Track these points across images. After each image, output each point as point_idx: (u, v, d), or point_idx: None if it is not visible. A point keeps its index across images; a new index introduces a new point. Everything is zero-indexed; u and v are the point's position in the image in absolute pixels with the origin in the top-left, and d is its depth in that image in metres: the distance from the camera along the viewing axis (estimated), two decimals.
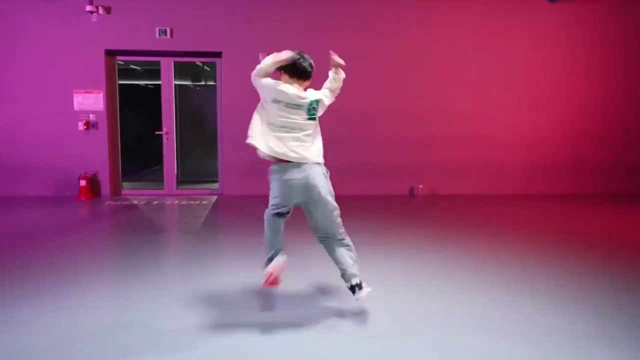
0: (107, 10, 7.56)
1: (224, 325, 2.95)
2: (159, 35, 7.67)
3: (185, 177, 9.13)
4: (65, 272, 4.02)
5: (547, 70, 8.30)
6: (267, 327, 2.89)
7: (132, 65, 9.71)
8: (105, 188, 7.88)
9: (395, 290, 3.59)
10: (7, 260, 4.34)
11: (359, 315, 3.10)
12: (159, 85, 8.23)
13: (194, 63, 9.17)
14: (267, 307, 3.27)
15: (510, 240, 5.14)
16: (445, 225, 5.90)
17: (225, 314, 3.13)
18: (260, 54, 7.87)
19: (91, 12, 7.50)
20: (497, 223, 6.11)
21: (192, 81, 11.23)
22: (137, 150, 10.20)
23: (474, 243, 5.01)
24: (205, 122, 9.82)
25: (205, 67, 10.90)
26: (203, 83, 11.39)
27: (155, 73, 11.04)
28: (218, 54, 7.91)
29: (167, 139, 8.11)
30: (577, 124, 8.40)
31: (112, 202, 7.39)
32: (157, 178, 9.70)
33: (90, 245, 5.10)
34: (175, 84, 8.27)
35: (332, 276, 3.41)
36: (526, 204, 7.42)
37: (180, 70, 9.56)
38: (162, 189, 8.29)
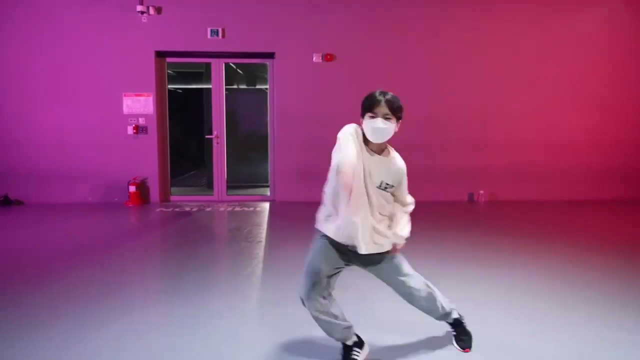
0: (158, 10, 7.33)
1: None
2: (211, 35, 7.40)
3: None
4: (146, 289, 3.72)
5: (613, 72, 7.85)
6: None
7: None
8: (154, 194, 7.62)
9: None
10: (77, 271, 4.07)
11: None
12: (190, 89, 7.94)
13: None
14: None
15: (577, 249, 4.73)
16: (502, 233, 5.51)
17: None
18: (314, 54, 7.59)
19: (142, 13, 7.27)
20: (563, 231, 5.70)
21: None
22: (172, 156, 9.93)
23: (532, 252, 4.62)
24: (239, 125, 9.56)
25: (239, 71, 10.66)
26: (235, 86, 11.16)
27: (186, 77, 10.89)
28: (270, 55, 7.62)
29: (218, 142, 7.84)
30: None
31: (164, 209, 7.12)
32: (195, 183, 9.44)
33: (155, 256, 4.82)
34: (205, 88, 7.97)
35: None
36: (591, 210, 6.99)
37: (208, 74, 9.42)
38: (211, 194, 8.01)
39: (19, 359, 2.56)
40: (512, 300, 3.47)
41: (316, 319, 2.34)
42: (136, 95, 7.45)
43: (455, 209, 7.17)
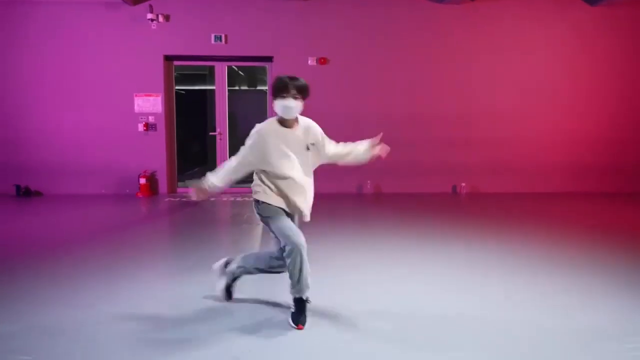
0: (167, 18, 8.02)
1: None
2: (215, 41, 8.09)
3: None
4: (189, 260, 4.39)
5: (587, 74, 8.52)
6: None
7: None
8: (163, 186, 8.30)
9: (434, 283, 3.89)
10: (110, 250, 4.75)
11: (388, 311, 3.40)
12: (193, 90, 8.55)
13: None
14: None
15: (546, 235, 5.40)
16: (483, 221, 6.18)
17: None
18: (309, 58, 8.28)
19: (151, 20, 7.96)
20: (534, 219, 6.37)
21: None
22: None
23: (510, 238, 5.29)
24: (240, 125, 10.17)
25: (240, 72, 11.33)
26: (237, 87, 11.83)
27: (190, 78, 11.53)
28: (269, 59, 8.31)
29: (221, 139, 8.52)
30: (616, 126, 8.59)
31: (172, 199, 7.80)
32: (197, 179, 10.01)
33: (166, 234, 5.50)
34: (208, 89, 8.61)
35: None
36: (565, 202, 7.63)
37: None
38: None
39: (52, 308, 3.24)
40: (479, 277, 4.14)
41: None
42: (146, 95, 8.13)
43: (439, 200, 7.82)
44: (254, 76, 11.58)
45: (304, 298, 2.89)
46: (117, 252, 4.53)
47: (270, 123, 2.92)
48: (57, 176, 8.14)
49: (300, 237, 2.85)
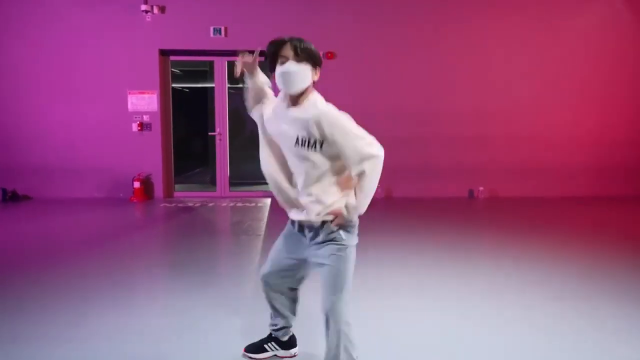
0: (162, 9, 7.46)
1: None
2: (214, 34, 7.53)
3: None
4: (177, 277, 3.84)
5: (613, 68, 7.88)
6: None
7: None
8: (158, 190, 7.76)
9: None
10: (81, 264, 4.20)
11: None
12: (196, 88, 8.05)
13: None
14: None
15: (574, 244, 4.80)
16: (502, 229, 5.58)
17: None
18: None
19: (146, 12, 7.40)
20: (560, 226, 5.76)
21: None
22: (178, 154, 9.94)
23: (530, 248, 4.69)
24: (245, 124, 9.62)
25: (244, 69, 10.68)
26: (242, 85, 11.25)
27: (193, 75, 11.01)
28: None
29: (220, 139, 7.97)
30: None
31: (167, 205, 7.26)
32: (200, 181, 9.55)
33: (157, 248, 4.96)
34: (211, 87, 8.12)
35: None
36: (591, 207, 7.02)
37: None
38: (214, 190, 8.13)
39: (29, 334, 2.70)
40: (497, 294, 3.56)
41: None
42: (140, 92, 7.59)
43: (456, 206, 7.22)
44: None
45: None
46: (109, 265, 3.99)
47: (280, 97, 2.07)
48: (46, 179, 7.61)
49: (266, 267, 2.39)
